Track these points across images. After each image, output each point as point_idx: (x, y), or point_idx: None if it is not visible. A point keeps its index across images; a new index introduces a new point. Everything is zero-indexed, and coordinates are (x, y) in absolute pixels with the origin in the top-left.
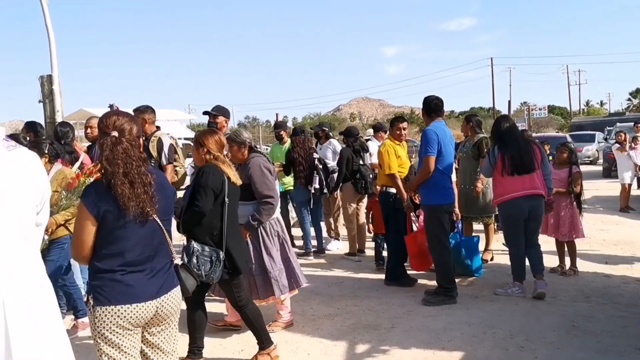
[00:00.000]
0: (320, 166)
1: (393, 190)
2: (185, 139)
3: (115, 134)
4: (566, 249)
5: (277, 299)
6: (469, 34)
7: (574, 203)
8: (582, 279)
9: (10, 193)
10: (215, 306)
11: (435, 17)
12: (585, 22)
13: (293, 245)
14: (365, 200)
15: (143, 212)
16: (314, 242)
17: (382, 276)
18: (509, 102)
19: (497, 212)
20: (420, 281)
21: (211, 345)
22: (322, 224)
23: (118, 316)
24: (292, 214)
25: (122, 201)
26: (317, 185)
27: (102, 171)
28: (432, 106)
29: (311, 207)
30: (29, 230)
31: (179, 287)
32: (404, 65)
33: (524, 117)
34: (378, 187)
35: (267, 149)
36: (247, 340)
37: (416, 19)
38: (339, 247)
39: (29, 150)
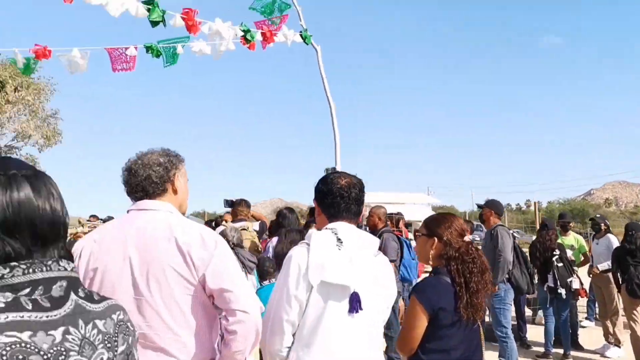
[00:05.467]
0: (559, 265)
1: None
2: None
3: (468, 238)
4: None
5: None
6: None
7: None
8: None
9: (378, 294)
10: None
11: None
12: None
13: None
14: None
15: (474, 318)
16: None
17: None
18: None
19: None
20: None
21: None
22: (592, 324)
23: None
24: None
25: (463, 306)
26: (550, 284)
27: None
28: None
29: (554, 306)
30: (379, 331)
31: None
32: None
33: None
34: None
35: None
36: None
37: None
38: (619, 355)
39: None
